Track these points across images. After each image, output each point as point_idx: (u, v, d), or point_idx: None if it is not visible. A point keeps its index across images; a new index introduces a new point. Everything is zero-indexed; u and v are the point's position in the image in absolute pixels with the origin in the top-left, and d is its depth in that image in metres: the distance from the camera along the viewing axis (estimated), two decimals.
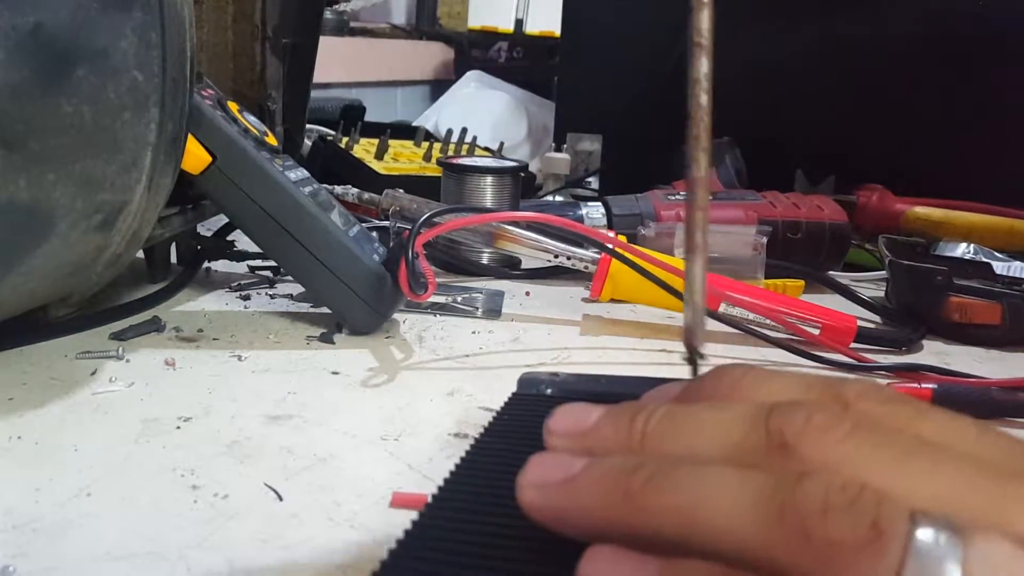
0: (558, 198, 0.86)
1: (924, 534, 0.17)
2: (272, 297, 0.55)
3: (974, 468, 0.19)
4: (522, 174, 0.68)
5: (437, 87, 1.63)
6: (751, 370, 0.23)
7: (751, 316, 0.51)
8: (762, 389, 0.22)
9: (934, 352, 0.54)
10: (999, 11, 0.83)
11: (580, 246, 0.54)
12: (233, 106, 0.50)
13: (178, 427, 0.36)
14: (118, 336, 0.45)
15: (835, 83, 0.89)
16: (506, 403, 0.32)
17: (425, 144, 0.95)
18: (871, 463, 0.19)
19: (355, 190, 0.68)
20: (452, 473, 0.25)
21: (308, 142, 0.87)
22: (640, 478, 0.19)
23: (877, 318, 0.60)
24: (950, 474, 0.18)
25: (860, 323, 0.52)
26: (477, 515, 0.23)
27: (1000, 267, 0.60)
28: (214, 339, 0.47)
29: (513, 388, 0.33)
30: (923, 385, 0.43)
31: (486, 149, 1.00)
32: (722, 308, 0.51)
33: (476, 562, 0.21)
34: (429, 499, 0.24)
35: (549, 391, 0.33)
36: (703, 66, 0.26)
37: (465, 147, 0.96)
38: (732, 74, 0.90)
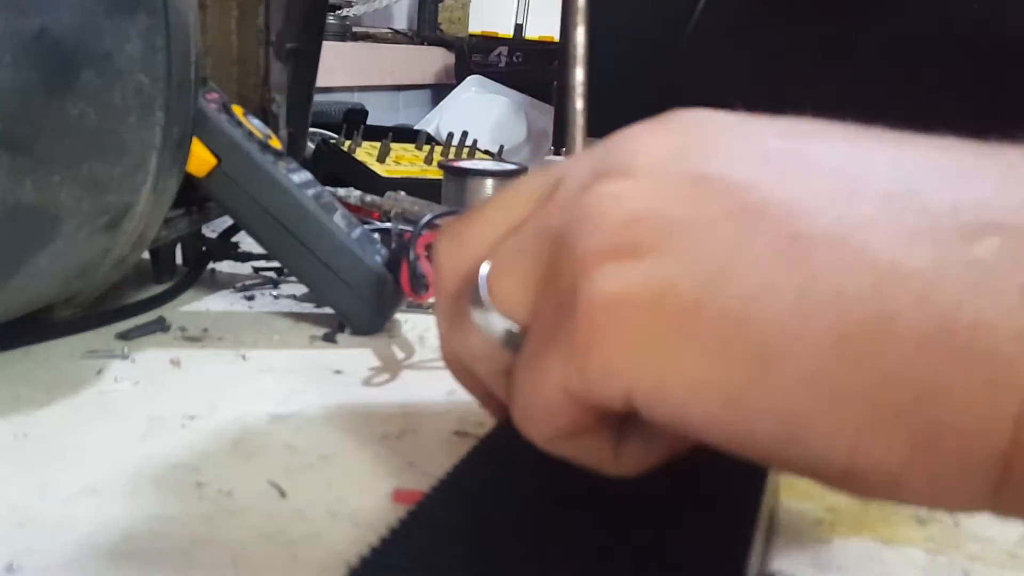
0: None
1: None
2: (276, 298, 0.56)
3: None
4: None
5: (438, 91, 1.64)
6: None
7: None
8: None
9: None
10: (999, 10, 0.84)
11: None
12: (238, 110, 0.50)
13: (183, 425, 0.36)
14: (124, 336, 0.46)
15: (836, 83, 0.89)
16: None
17: (426, 147, 0.96)
18: None
19: (357, 192, 0.68)
20: (445, 477, 0.26)
21: (311, 145, 0.88)
22: None
23: None
24: None
25: None
26: (472, 516, 0.23)
27: None
28: (219, 339, 0.47)
29: None
30: None
31: (486, 152, 1.00)
32: None
33: (471, 564, 0.21)
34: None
35: None
36: (579, 75, 0.31)
37: (466, 150, 0.96)
38: (732, 73, 0.91)
